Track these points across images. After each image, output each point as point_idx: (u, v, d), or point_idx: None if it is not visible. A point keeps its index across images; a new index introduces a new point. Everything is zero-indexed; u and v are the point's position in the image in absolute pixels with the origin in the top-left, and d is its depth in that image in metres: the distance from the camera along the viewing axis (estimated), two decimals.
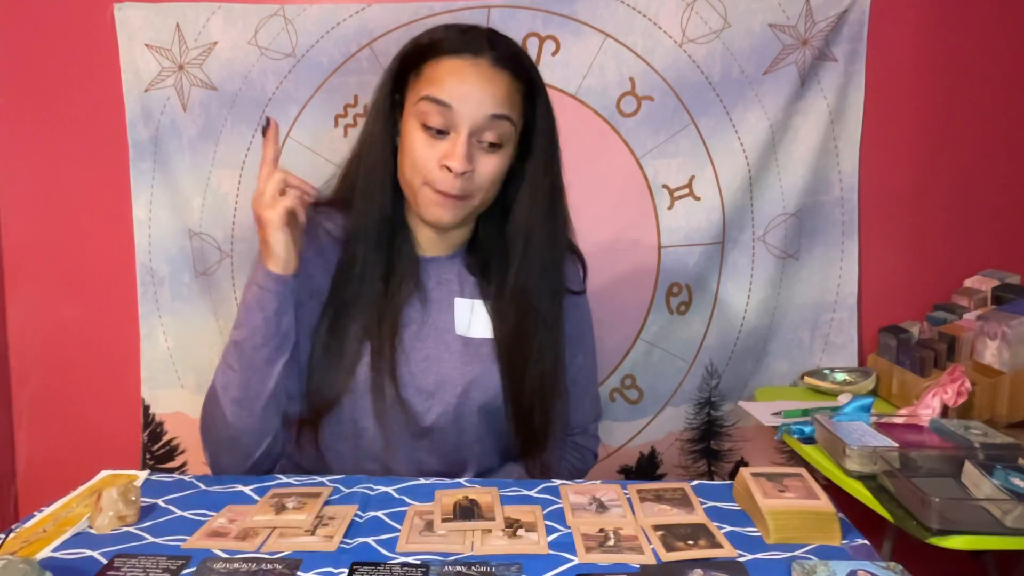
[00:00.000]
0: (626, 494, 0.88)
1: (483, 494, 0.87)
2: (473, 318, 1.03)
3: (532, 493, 0.90)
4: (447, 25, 0.98)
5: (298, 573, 0.71)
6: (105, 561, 0.74)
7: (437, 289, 1.04)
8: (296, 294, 0.95)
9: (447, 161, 0.92)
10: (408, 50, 0.98)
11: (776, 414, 1.43)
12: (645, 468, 1.71)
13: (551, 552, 0.75)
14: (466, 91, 0.92)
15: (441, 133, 0.93)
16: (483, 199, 0.98)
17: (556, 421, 1.06)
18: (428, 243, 1.04)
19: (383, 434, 0.99)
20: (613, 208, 1.62)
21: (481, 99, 0.92)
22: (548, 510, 0.85)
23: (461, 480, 0.95)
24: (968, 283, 1.62)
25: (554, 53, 1.58)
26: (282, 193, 0.90)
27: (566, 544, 0.77)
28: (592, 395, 1.17)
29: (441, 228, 1.00)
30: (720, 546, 0.76)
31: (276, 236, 0.90)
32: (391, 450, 1.01)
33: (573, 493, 0.89)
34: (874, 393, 1.56)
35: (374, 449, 1.01)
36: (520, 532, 0.79)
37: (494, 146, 0.95)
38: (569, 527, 0.81)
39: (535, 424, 1.03)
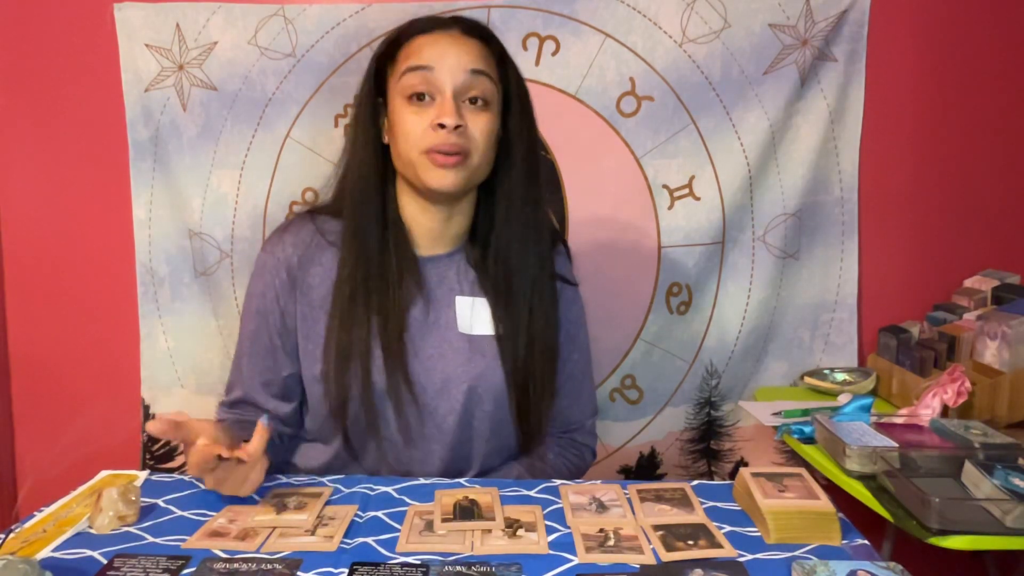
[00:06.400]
0: (626, 494, 0.88)
1: (483, 494, 0.87)
2: (475, 315, 1.03)
3: (532, 493, 0.90)
4: (414, 19, 1.02)
5: (298, 573, 0.72)
6: (105, 561, 0.74)
7: (438, 288, 1.04)
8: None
9: (438, 119, 0.94)
10: (381, 48, 1.01)
11: (776, 414, 1.43)
12: (645, 468, 1.71)
13: (551, 552, 0.76)
14: (443, 51, 0.96)
15: (427, 100, 0.96)
16: (480, 160, 0.98)
17: (551, 414, 1.08)
18: (426, 241, 1.05)
19: (402, 434, 1.00)
20: (613, 208, 1.62)
21: (459, 57, 0.96)
22: (548, 510, 0.85)
23: (461, 480, 0.95)
24: (968, 283, 1.62)
25: (554, 53, 1.58)
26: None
27: (566, 544, 0.77)
28: (588, 391, 1.17)
29: (448, 196, 1.00)
30: (720, 546, 0.76)
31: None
32: (410, 450, 1.02)
33: (573, 493, 0.89)
34: (874, 393, 1.55)
35: (395, 450, 1.01)
36: (520, 532, 0.79)
37: (481, 103, 0.97)
38: (569, 527, 0.81)
39: (536, 417, 1.04)
